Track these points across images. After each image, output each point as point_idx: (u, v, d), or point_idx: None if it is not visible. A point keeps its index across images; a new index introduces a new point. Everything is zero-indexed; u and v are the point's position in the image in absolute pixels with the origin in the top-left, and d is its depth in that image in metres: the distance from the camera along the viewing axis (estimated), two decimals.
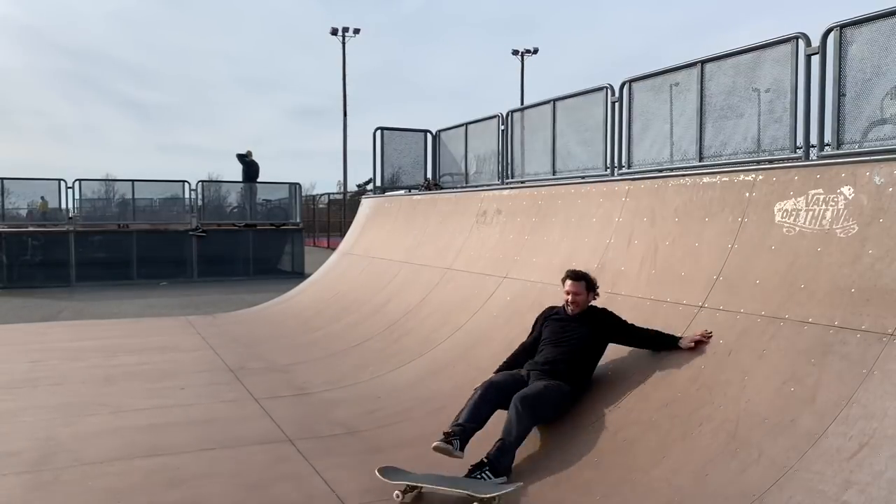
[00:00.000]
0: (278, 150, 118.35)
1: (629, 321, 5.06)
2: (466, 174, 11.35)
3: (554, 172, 8.82)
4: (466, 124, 11.33)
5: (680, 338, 4.80)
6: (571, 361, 4.85)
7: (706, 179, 5.59)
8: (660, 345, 4.87)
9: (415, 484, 4.18)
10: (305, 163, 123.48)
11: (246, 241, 20.24)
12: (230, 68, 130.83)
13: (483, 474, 4.16)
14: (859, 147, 5.06)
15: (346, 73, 40.90)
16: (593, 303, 5.20)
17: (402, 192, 12.78)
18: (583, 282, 5.14)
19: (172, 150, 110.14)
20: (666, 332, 4.88)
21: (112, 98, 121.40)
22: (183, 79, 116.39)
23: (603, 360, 5.29)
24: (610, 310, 5.15)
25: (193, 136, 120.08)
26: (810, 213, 4.56)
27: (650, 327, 4.99)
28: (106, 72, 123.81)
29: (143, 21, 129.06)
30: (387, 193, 12.94)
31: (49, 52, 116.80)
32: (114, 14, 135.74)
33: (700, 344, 4.68)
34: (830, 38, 5.21)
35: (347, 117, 41.14)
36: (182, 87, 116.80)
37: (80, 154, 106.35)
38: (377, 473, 4.25)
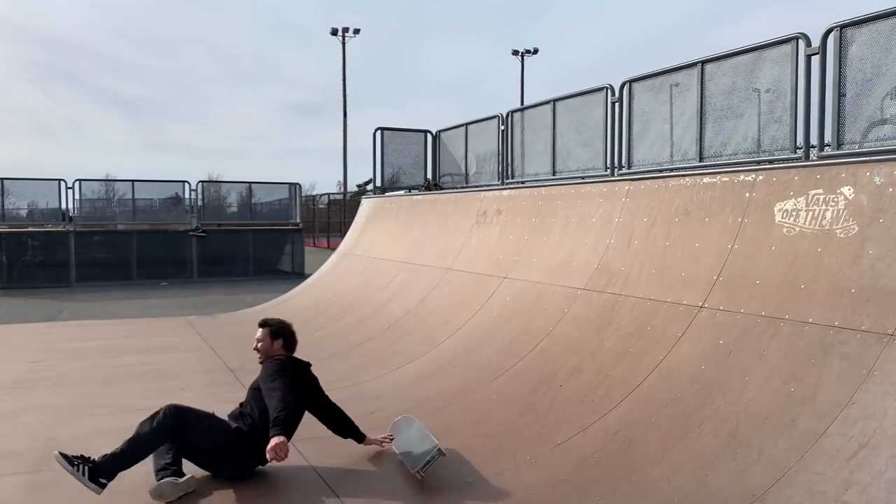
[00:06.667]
0: (275, 148, 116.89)
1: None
2: (466, 174, 11.35)
3: (554, 172, 8.82)
4: (466, 124, 11.34)
5: (365, 437, 4.92)
6: (250, 414, 4.60)
7: (706, 179, 5.59)
8: (346, 432, 4.91)
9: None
10: (303, 161, 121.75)
11: (246, 241, 20.26)
12: (218, 62, 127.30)
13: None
14: (859, 147, 5.06)
15: (343, 67, 40.79)
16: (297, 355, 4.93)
17: (402, 192, 12.78)
18: (266, 329, 4.88)
19: (165, 149, 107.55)
20: (357, 427, 4.93)
21: (95, 93, 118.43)
22: (167, 72, 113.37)
23: (602, 361, 5.29)
24: (314, 373, 4.88)
25: (186, 134, 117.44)
26: (810, 213, 4.56)
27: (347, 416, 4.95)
28: (86, 65, 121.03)
29: (119, 9, 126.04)
30: (387, 193, 12.95)
31: (25, 43, 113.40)
32: (89, 2, 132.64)
33: (383, 442, 4.89)
34: (830, 39, 5.22)
35: (347, 115, 41.05)
36: (168, 81, 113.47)
37: (68, 153, 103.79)
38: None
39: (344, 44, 40.53)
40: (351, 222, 14.11)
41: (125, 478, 4.21)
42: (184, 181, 20.06)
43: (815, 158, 5.32)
